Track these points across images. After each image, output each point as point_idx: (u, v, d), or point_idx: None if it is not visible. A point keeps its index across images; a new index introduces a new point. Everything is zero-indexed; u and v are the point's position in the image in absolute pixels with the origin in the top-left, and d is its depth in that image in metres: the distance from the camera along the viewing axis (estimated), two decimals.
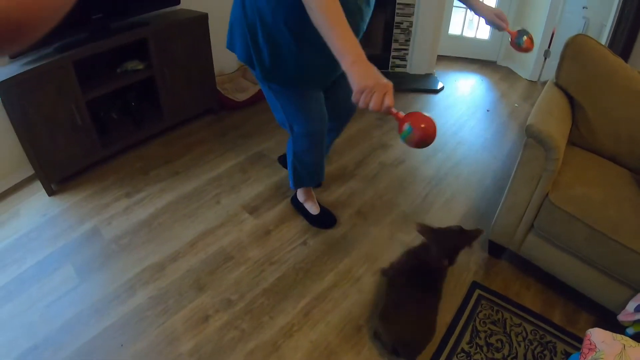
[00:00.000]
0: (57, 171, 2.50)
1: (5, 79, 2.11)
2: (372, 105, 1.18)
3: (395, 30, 3.86)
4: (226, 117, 3.20)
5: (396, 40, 3.91)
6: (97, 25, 2.46)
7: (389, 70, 4.07)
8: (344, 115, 2.18)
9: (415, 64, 4.02)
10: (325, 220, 2.29)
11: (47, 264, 2.09)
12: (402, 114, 1.22)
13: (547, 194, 1.88)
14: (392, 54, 3.98)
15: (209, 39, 2.97)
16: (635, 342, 1.16)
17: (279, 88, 1.83)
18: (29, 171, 2.59)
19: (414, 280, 1.70)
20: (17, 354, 1.69)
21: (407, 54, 3.99)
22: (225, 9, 3.26)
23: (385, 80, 1.20)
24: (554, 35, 4.32)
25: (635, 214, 1.80)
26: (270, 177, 2.60)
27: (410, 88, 3.77)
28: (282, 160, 2.67)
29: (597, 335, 1.17)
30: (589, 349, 1.14)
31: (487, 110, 3.58)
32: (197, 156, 2.76)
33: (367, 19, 1.68)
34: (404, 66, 4.08)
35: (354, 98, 1.20)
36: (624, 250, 1.70)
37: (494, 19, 1.78)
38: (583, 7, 4.78)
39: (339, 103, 2.04)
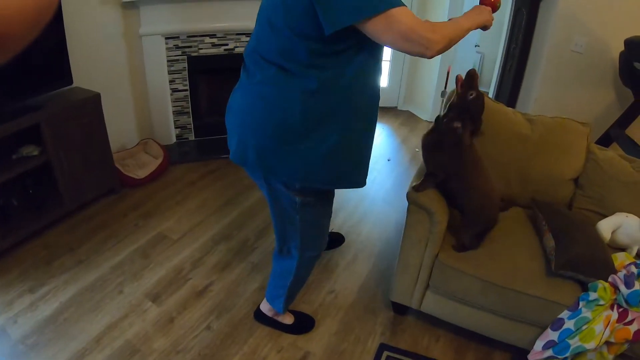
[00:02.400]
0: None
1: None
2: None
3: None
4: (128, 195, 3.37)
5: None
6: None
7: None
8: None
9: None
10: (305, 324, 2.37)
11: None
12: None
13: (437, 254, 2.11)
14: None
15: (103, 118, 3.12)
16: None
17: (319, 202, 1.84)
18: None
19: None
20: None
21: None
22: (117, 87, 3.50)
23: (483, 11, 1.59)
24: (449, 75, 4.83)
25: (529, 257, 2.10)
26: (170, 259, 2.78)
27: None
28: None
29: None
30: None
31: (388, 160, 3.96)
32: (100, 241, 2.91)
33: None
34: None
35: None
36: (521, 296, 1.97)
37: None
38: (475, 45, 5.36)
39: None
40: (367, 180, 1.78)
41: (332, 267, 2.77)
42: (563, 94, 3.82)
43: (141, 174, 3.42)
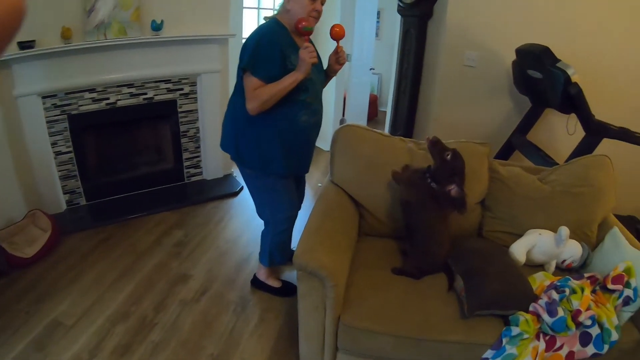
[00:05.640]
0: None
1: None
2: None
3: (183, 140, 4.33)
4: (18, 278, 3.35)
5: (186, 149, 4.38)
6: None
7: (186, 181, 4.48)
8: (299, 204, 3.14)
9: (211, 169, 4.54)
10: (289, 289, 3.12)
11: None
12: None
13: (339, 317, 2.07)
14: (185, 163, 4.44)
15: None
16: None
17: (273, 181, 2.73)
18: None
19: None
20: None
21: (201, 160, 4.50)
22: None
23: (307, 61, 2.31)
24: (346, 100, 5.07)
25: (442, 302, 2.11)
26: (67, 349, 2.76)
27: (206, 198, 4.27)
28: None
29: None
30: None
31: (319, 185, 4.12)
32: None
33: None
34: (200, 174, 4.58)
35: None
36: (439, 344, 1.97)
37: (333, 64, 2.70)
38: (370, 69, 5.67)
39: (298, 195, 3.06)
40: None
41: (237, 335, 2.84)
42: (461, 109, 4.12)
43: (30, 251, 3.43)
